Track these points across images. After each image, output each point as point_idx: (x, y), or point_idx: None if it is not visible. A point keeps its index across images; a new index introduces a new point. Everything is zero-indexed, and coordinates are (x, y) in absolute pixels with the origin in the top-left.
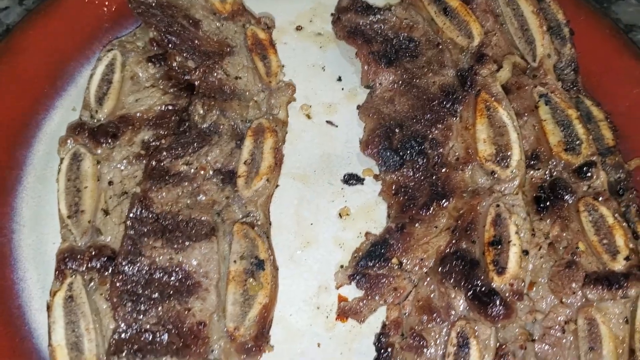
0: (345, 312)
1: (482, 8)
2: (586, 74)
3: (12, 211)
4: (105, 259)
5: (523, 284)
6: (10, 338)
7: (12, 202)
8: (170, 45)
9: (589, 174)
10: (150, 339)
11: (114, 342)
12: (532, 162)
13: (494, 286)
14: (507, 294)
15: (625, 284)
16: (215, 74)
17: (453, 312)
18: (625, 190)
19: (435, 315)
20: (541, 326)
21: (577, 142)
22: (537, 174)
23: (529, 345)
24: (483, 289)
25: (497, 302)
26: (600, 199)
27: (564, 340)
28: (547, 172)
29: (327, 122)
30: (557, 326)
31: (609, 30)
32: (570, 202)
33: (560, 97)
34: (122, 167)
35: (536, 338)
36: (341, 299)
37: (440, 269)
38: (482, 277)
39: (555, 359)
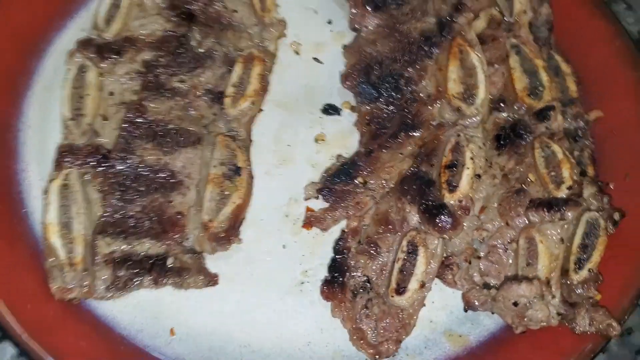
0: (311, 220)
1: None
2: (560, 33)
3: (19, 112)
4: (100, 156)
5: (471, 201)
6: (10, 218)
7: (21, 105)
8: None
9: (547, 117)
10: (133, 223)
11: (100, 223)
12: (499, 105)
13: (444, 202)
14: (455, 209)
15: (563, 208)
16: (214, 6)
17: (406, 224)
18: (581, 136)
19: (390, 226)
20: (487, 245)
21: (540, 89)
22: (501, 115)
23: (474, 262)
24: (435, 203)
25: (445, 215)
26: (555, 138)
27: (505, 258)
28: (511, 115)
29: (314, 58)
30: (501, 245)
31: None
32: (528, 140)
33: (530, 48)
34: (123, 81)
35: (482, 255)
36: (309, 209)
37: (400, 187)
38: (436, 194)
39: (496, 274)
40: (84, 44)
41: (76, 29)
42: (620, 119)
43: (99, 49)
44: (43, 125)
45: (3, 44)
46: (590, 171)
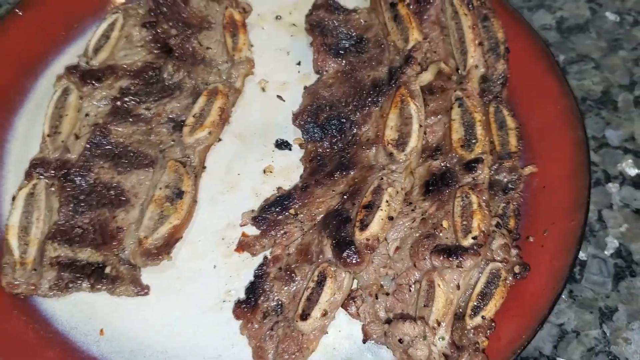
0: (242, 245)
1: (432, 20)
2: (512, 89)
3: (10, 126)
4: (66, 170)
5: (377, 241)
6: None
7: (12, 120)
8: (161, 15)
9: (474, 168)
10: (80, 233)
11: (52, 230)
12: (434, 153)
13: (354, 239)
14: (362, 246)
15: (462, 257)
16: (191, 42)
17: (322, 256)
18: (511, 189)
19: (309, 256)
20: (395, 283)
21: (473, 141)
22: (435, 163)
23: (381, 297)
24: (346, 240)
25: (352, 251)
26: (476, 189)
27: (408, 297)
28: (443, 164)
29: (278, 96)
30: (406, 285)
31: (541, 52)
32: (452, 189)
33: (472, 102)
34: (99, 105)
35: (389, 292)
36: (244, 235)
37: (322, 221)
38: (349, 231)
39: (399, 311)
40: (71, 70)
41: (72, 55)
42: (551, 176)
43: (82, 75)
44: (27, 138)
45: (2, 63)
46: (512, 223)
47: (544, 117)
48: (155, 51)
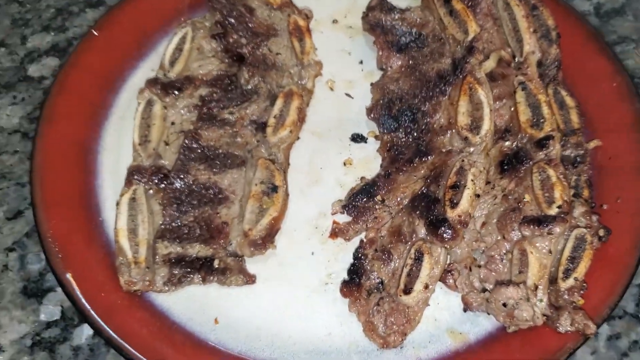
0: (336, 231)
1: (484, 12)
2: (567, 71)
3: (99, 138)
4: (162, 175)
5: (469, 217)
6: (89, 223)
7: (100, 131)
8: (229, 26)
9: (546, 145)
10: (186, 230)
11: (160, 230)
12: (504, 135)
13: (446, 216)
14: (455, 222)
15: (551, 224)
16: (261, 50)
17: (415, 235)
18: (580, 162)
19: (402, 237)
20: (486, 255)
21: (542, 120)
22: (506, 144)
23: (474, 269)
24: (438, 217)
25: (446, 227)
26: (552, 164)
27: (501, 267)
28: (514, 144)
29: (346, 94)
30: (498, 255)
31: (590, 35)
32: (527, 165)
33: (535, 85)
34: (183, 113)
35: (481, 264)
36: (335, 222)
37: (411, 204)
38: (440, 210)
39: (493, 280)
40: (152, 82)
41: (147, 68)
42: (616, 148)
43: (163, 86)
44: (117, 148)
45: (87, 81)
46: (586, 194)
47: (600, 95)
48: (227, 60)
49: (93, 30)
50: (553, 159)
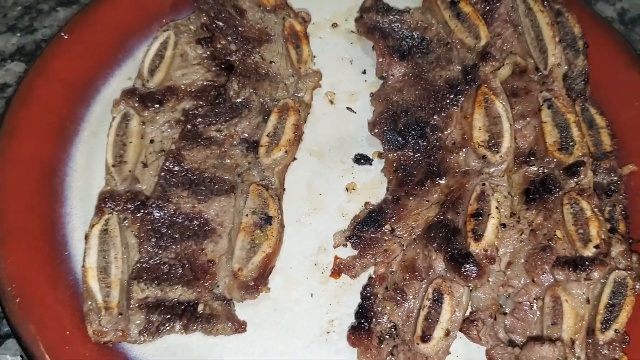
0: (340, 267)
1: (503, 18)
2: (595, 85)
3: (67, 157)
4: (139, 202)
5: (496, 250)
6: (53, 260)
7: (69, 150)
8: (217, 30)
9: (577, 172)
10: (166, 270)
11: (136, 269)
12: (529, 159)
13: (470, 250)
14: (481, 258)
15: (589, 268)
16: (252, 57)
17: (432, 272)
18: (614, 191)
19: (417, 273)
20: (513, 301)
21: (571, 144)
22: (531, 169)
23: (499, 318)
24: (460, 252)
25: (471, 264)
26: (584, 194)
27: (531, 316)
28: (540, 169)
29: (348, 108)
30: (526, 302)
31: (620, 46)
32: (557, 195)
33: (563, 102)
34: (164, 129)
35: (507, 312)
36: (337, 258)
37: (426, 234)
38: (461, 242)
39: (521, 331)
40: (128, 94)
41: (123, 77)
42: None
43: (142, 98)
44: (88, 169)
45: (55, 91)
46: (622, 227)
47: (633, 113)
48: (214, 68)
49: (62, 33)
50: (586, 189)
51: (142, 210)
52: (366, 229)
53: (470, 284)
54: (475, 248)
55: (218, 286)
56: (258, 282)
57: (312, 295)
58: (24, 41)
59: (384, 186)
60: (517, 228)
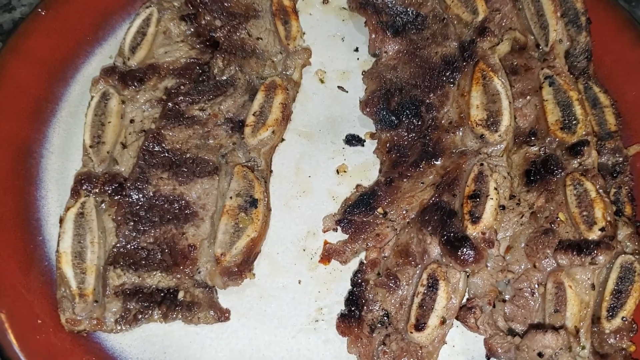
0: (329, 252)
1: None
2: (598, 63)
3: (44, 138)
4: (117, 185)
5: (495, 233)
6: (26, 244)
7: (45, 131)
8: (201, 6)
9: (580, 152)
10: (145, 255)
11: (112, 254)
12: (529, 139)
13: (467, 233)
14: (478, 241)
15: (594, 251)
16: (238, 33)
17: (427, 257)
18: (620, 172)
19: (410, 258)
20: (513, 288)
21: (574, 122)
22: (532, 149)
23: (499, 305)
24: (457, 235)
25: (468, 247)
26: (589, 175)
27: (532, 303)
28: (542, 149)
29: (339, 87)
30: (527, 288)
31: (625, 22)
32: (559, 176)
33: (565, 80)
34: (144, 109)
35: (507, 299)
36: (327, 243)
37: (420, 217)
38: (457, 226)
39: (522, 319)
40: (108, 72)
41: (104, 55)
42: None
43: (122, 76)
44: (66, 151)
45: (30, 70)
46: (628, 210)
47: (638, 91)
48: (198, 46)
49: (39, 9)
50: (590, 169)
51: (120, 193)
52: (357, 212)
53: (467, 269)
54: (472, 231)
55: (199, 272)
56: (242, 268)
57: (300, 282)
58: (1, 20)
59: (376, 168)
60: (517, 211)
